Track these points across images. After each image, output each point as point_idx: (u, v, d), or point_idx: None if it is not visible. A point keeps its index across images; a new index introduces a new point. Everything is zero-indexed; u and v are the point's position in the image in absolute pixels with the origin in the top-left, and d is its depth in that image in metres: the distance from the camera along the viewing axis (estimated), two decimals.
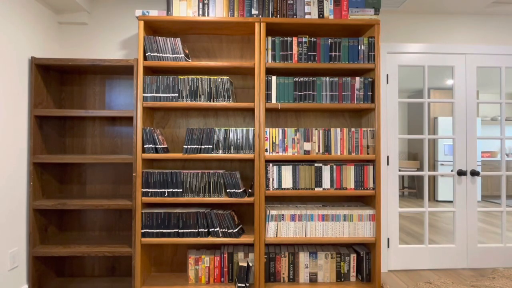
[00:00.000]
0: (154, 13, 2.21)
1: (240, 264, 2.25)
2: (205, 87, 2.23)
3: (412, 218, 4.83)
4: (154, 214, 2.19)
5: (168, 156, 2.18)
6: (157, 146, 2.21)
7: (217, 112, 2.52)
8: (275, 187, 2.22)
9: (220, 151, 2.21)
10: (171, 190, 2.20)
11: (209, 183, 2.21)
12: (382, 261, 2.73)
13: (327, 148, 2.24)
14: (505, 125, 2.91)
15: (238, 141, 2.22)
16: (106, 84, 2.51)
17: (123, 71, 2.40)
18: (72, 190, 2.50)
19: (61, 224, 2.49)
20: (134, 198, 2.17)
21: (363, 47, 2.25)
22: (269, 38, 2.24)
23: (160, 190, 2.20)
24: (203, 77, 2.23)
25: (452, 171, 2.85)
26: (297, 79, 2.25)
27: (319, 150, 2.24)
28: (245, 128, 2.22)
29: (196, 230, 2.20)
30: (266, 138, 2.22)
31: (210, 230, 2.21)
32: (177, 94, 2.22)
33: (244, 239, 2.19)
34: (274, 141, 2.23)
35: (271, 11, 2.26)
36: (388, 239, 2.74)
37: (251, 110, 2.51)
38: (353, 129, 2.25)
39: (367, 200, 2.40)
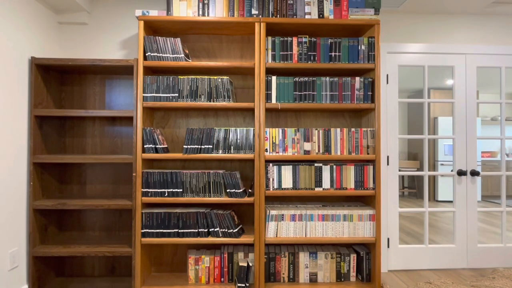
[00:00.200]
0: (154, 13, 2.21)
1: (240, 264, 2.25)
2: (205, 87, 2.23)
3: (412, 218, 4.83)
4: (154, 214, 2.19)
5: (168, 156, 2.18)
6: (157, 146, 2.21)
7: (217, 112, 2.52)
8: (275, 187, 2.22)
9: (220, 151, 2.21)
10: (171, 190, 2.20)
11: (209, 183, 2.21)
12: (382, 261, 2.73)
13: (327, 148, 2.24)
14: (505, 125, 2.91)
15: (238, 141, 2.22)
16: (106, 84, 2.51)
17: (123, 71, 2.40)
18: (72, 190, 2.50)
19: (61, 224, 2.49)
20: (134, 198, 2.17)
21: (363, 47, 2.25)
22: (269, 38, 2.24)
23: (160, 190, 2.20)
24: (203, 77, 2.23)
25: (452, 171, 2.85)
26: (297, 79, 2.25)
27: (319, 150, 2.24)
28: (245, 128, 2.22)
29: (196, 230, 2.20)
30: (266, 138, 2.22)
31: (210, 230, 2.21)
32: (177, 94, 2.22)
33: (244, 239, 2.19)
34: (274, 141, 2.23)
35: (271, 11, 2.26)
36: (388, 239, 2.74)
37: (251, 110, 2.51)
38: (353, 129, 2.25)
39: (367, 200, 2.40)
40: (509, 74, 5.53)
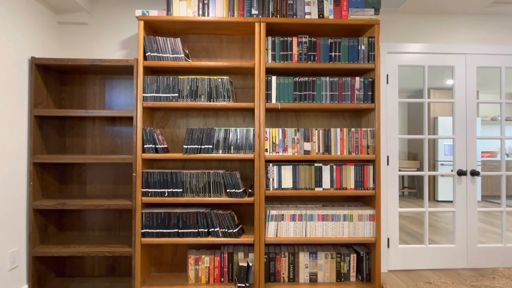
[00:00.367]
0: (154, 13, 2.21)
1: (240, 264, 2.25)
2: (205, 87, 2.23)
3: (412, 218, 4.83)
4: (154, 214, 2.19)
5: (168, 156, 2.18)
6: (157, 146, 2.21)
7: (217, 112, 2.52)
8: (275, 187, 2.22)
9: (220, 151, 2.21)
10: (171, 190, 2.20)
11: (209, 183, 2.21)
12: (382, 261, 2.73)
13: (327, 148, 2.24)
14: (505, 125, 2.91)
15: (238, 141, 2.22)
16: (106, 84, 2.51)
17: (123, 71, 2.40)
18: (72, 190, 2.50)
19: (61, 224, 2.49)
20: (134, 198, 2.17)
21: (363, 47, 2.25)
22: (269, 38, 2.24)
23: (160, 190, 2.20)
24: (203, 77, 2.23)
25: (452, 171, 2.85)
26: (297, 79, 2.25)
27: (319, 150, 2.24)
28: (245, 128, 2.22)
29: (196, 230, 2.20)
30: (266, 138, 2.22)
31: (210, 230, 2.21)
32: (177, 94, 2.22)
33: (244, 239, 2.19)
34: (274, 141, 2.23)
35: (271, 11, 2.26)
36: (388, 239, 2.74)
37: (251, 110, 2.51)
38: (353, 129, 2.25)
39: (367, 200, 2.40)
40: (509, 74, 5.53)
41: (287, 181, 2.23)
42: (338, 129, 2.25)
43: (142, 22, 2.19)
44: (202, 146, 2.20)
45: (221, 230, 2.20)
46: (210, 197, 2.20)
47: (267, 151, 2.22)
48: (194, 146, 2.20)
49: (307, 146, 2.24)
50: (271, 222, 2.22)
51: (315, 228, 2.23)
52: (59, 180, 2.48)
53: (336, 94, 2.25)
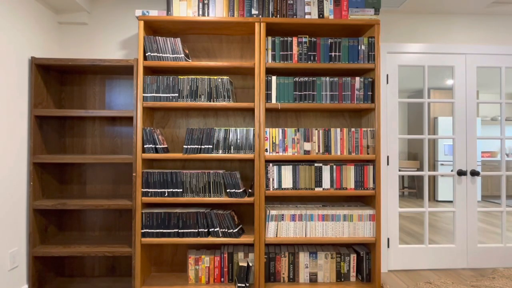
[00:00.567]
0: (154, 13, 2.21)
1: (240, 264, 2.25)
2: (205, 87, 2.23)
3: (412, 218, 4.83)
4: (154, 214, 2.19)
5: (168, 156, 2.18)
6: (157, 146, 2.21)
7: (217, 112, 2.52)
8: (275, 187, 2.22)
9: (220, 151, 2.21)
10: (171, 190, 2.20)
11: (209, 183, 2.21)
12: (382, 261, 2.73)
13: (327, 148, 2.24)
14: (505, 125, 2.91)
15: (238, 141, 2.22)
16: (106, 84, 2.51)
17: (123, 71, 2.40)
18: (72, 190, 2.50)
19: (61, 224, 2.49)
20: (134, 198, 2.17)
21: (363, 47, 2.25)
22: (269, 38, 2.24)
23: (160, 190, 2.20)
24: (203, 77, 2.23)
25: (452, 171, 2.85)
26: (297, 79, 2.25)
27: (319, 150, 2.24)
28: (245, 128, 2.22)
29: (196, 230, 2.20)
30: (266, 138, 2.22)
31: (210, 230, 2.21)
32: (177, 94, 2.22)
33: (244, 239, 2.19)
34: (274, 141, 2.23)
35: (271, 11, 2.26)
36: (388, 239, 2.74)
37: (251, 110, 2.51)
38: (353, 129, 2.25)
39: (367, 200, 2.40)
40: (509, 74, 5.53)
41: (287, 181, 2.23)
42: (338, 129, 2.25)
43: (142, 22, 2.20)
44: (202, 146, 2.20)
45: (221, 230, 2.20)
46: (210, 197, 2.20)
47: (267, 151, 2.22)
48: (194, 146, 2.20)
49: (307, 146, 2.24)
50: (271, 222, 2.22)
51: (315, 228, 2.23)
52: (59, 180, 2.48)
53: (336, 94, 2.25)
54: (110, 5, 2.56)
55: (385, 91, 2.75)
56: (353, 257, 2.32)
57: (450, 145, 6.38)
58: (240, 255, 2.29)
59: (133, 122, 2.51)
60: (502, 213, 2.88)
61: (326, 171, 2.24)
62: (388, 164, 2.75)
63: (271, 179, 2.23)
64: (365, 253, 2.31)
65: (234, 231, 2.19)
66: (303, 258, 2.31)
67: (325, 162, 2.26)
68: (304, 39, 2.25)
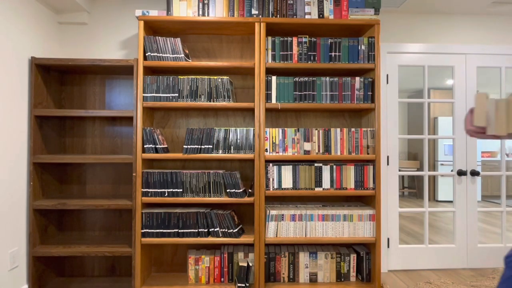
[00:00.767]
0: (154, 13, 2.21)
1: (240, 264, 2.25)
2: (205, 87, 2.23)
3: (412, 218, 4.83)
4: (154, 214, 2.19)
5: (168, 156, 2.18)
6: (157, 146, 2.21)
7: (217, 112, 2.52)
8: (275, 187, 2.22)
9: (220, 151, 2.21)
10: (171, 190, 2.20)
11: (209, 183, 2.21)
12: (382, 261, 2.73)
13: (327, 148, 2.24)
14: None
15: (238, 141, 2.22)
16: (106, 84, 2.51)
17: (123, 71, 2.40)
18: (72, 190, 2.50)
19: (61, 224, 2.49)
20: (134, 198, 2.17)
21: (363, 47, 2.25)
22: (269, 38, 2.24)
23: (160, 190, 2.20)
24: (203, 77, 2.23)
25: (452, 171, 2.85)
26: (297, 79, 2.25)
27: (319, 150, 2.24)
28: (245, 128, 2.22)
29: (196, 230, 2.20)
30: (266, 138, 2.22)
31: (210, 230, 2.21)
32: (177, 94, 2.22)
33: (244, 239, 2.19)
34: (274, 141, 2.23)
35: (271, 11, 2.26)
36: (388, 239, 2.74)
37: (251, 110, 2.51)
38: (353, 129, 2.25)
39: (367, 200, 2.40)
40: (509, 74, 5.53)
41: (287, 181, 2.23)
42: (338, 129, 2.25)
43: (142, 22, 2.19)
44: (202, 146, 2.20)
45: (221, 230, 2.20)
46: (210, 197, 2.20)
47: (267, 151, 2.22)
48: (194, 146, 2.20)
49: (307, 146, 2.24)
50: (271, 222, 2.22)
51: (315, 228, 2.23)
52: (59, 180, 2.48)
53: (336, 94, 2.25)
54: (110, 5, 2.56)
55: (385, 91, 2.75)
56: (353, 257, 2.32)
57: (450, 145, 6.38)
58: (240, 255, 2.29)
59: (133, 122, 2.51)
60: (502, 213, 2.88)
61: (326, 171, 2.24)
62: (388, 164, 2.75)
63: (271, 179, 2.22)
64: (365, 253, 2.31)
65: (234, 231, 2.19)
66: (303, 258, 2.31)
67: (325, 162, 2.26)
68: (304, 39, 2.25)
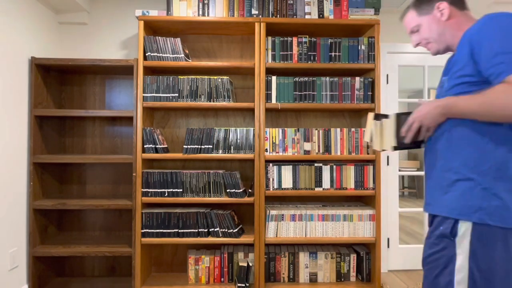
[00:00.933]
0: (154, 13, 2.21)
1: (240, 264, 2.25)
2: (205, 87, 2.23)
3: (412, 218, 4.83)
4: (154, 214, 2.19)
5: (168, 156, 2.18)
6: (157, 146, 2.21)
7: (217, 112, 2.52)
8: (275, 187, 2.22)
9: (220, 151, 2.21)
10: (171, 190, 2.20)
11: (209, 183, 2.21)
12: (382, 261, 2.72)
13: (327, 148, 2.24)
14: None
15: (238, 141, 2.22)
16: (106, 84, 2.51)
17: (123, 71, 2.40)
18: (72, 190, 2.50)
19: (61, 224, 2.49)
20: (134, 198, 2.17)
21: (363, 47, 2.25)
22: (269, 38, 2.24)
23: (160, 190, 2.20)
24: (203, 77, 2.23)
25: None
26: (297, 79, 2.25)
27: (319, 150, 2.24)
28: (245, 128, 2.22)
29: (196, 230, 2.20)
30: (266, 138, 2.22)
31: (210, 230, 2.21)
32: (177, 94, 2.22)
33: (244, 239, 2.19)
34: (274, 141, 2.23)
35: (271, 11, 2.26)
36: (388, 239, 2.74)
37: (251, 110, 2.51)
38: (353, 129, 2.25)
39: (367, 200, 2.40)
40: None
41: (287, 181, 2.23)
42: (338, 129, 2.25)
43: (142, 22, 2.19)
44: (202, 146, 2.20)
45: (221, 230, 2.20)
46: (210, 197, 2.20)
47: (267, 151, 2.22)
48: (194, 146, 2.20)
49: (307, 146, 2.24)
50: (271, 222, 2.22)
51: (315, 228, 2.23)
52: (59, 180, 2.48)
53: (336, 94, 2.25)
54: (110, 5, 2.56)
55: (385, 91, 2.75)
56: (353, 257, 2.32)
57: None
58: (240, 255, 2.29)
59: (133, 122, 2.51)
60: None
61: (326, 171, 2.24)
62: (388, 164, 2.75)
63: (271, 179, 2.22)
64: (365, 253, 2.31)
65: (234, 231, 2.19)
66: (303, 258, 2.30)
67: (325, 162, 2.26)
68: (304, 39, 2.25)
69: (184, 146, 2.20)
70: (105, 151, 2.51)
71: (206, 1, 2.25)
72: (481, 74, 0.95)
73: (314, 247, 2.41)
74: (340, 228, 2.23)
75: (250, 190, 2.30)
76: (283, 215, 2.22)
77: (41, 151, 2.25)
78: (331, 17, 2.27)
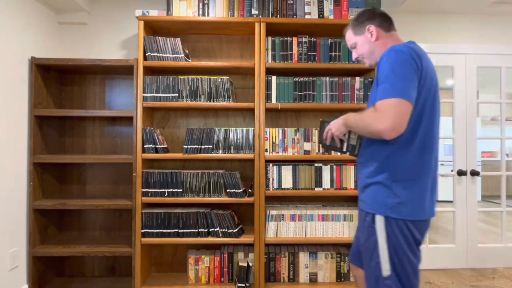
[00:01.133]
0: (154, 13, 2.21)
1: (240, 264, 2.25)
2: (205, 87, 2.23)
3: None
4: (154, 214, 2.19)
5: (168, 156, 2.18)
6: (157, 146, 2.21)
7: (217, 112, 2.52)
8: (275, 187, 2.22)
9: (220, 151, 2.21)
10: (171, 190, 2.20)
11: (209, 183, 2.21)
12: None
13: None
14: (505, 125, 2.91)
15: (238, 141, 2.22)
16: (106, 84, 2.51)
17: (123, 71, 2.40)
18: (72, 190, 2.50)
19: (61, 224, 2.49)
20: (134, 198, 2.17)
21: None
22: (269, 38, 2.24)
23: (160, 190, 2.20)
24: (203, 77, 2.23)
25: (452, 171, 2.85)
26: (297, 79, 2.25)
27: (319, 150, 2.24)
28: (245, 128, 2.22)
29: (196, 230, 2.20)
30: (266, 138, 2.22)
31: (210, 230, 2.21)
32: (177, 94, 2.22)
33: (244, 239, 2.19)
34: (274, 141, 2.23)
35: (271, 11, 2.26)
36: None
37: (251, 110, 2.51)
38: None
39: None
40: (509, 74, 5.53)
41: (287, 181, 2.23)
42: None
43: (142, 22, 2.19)
44: (202, 146, 2.20)
45: (221, 230, 2.20)
46: (210, 197, 2.20)
47: (267, 151, 2.22)
48: (194, 146, 2.20)
49: (307, 146, 2.24)
50: (271, 222, 2.22)
51: (315, 228, 2.23)
52: (59, 180, 2.48)
53: (336, 94, 2.25)
54: (110, 5, 2.56)
55: None
56: None
57: (450, 145, 6.37)
58: (240, 255, 2.29)
59: (133, 122, 2.51)
60: (502, 213, 2.88)
61: (326, 171, 2.23)
62: None
63: (271, 179, 2.22)
64: None
65: (234, 231, 2.19)
66: (303, 258, 2.30)
67: (325, 162, 2.26)
68: (304, 39, 2.25)
69: (184, 146, 2.20)
70: (105, 151, 2.51)
71: (206, 1, 2.25)
72: None
73: (314, 247, 2.41)
74: (340, 228, 2.23)
75: (250, 190, 2.30)
76: (283, 215, 2.22)
77: (41, 151, 2.25)
78: (331, 17, 2.27)
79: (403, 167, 1.20)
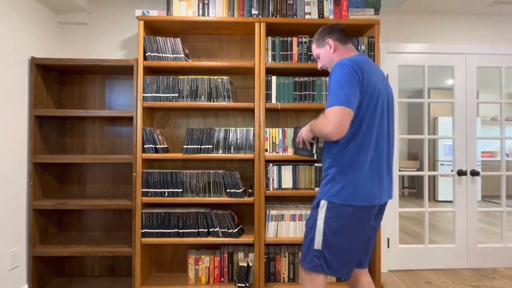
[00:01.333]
0: (154, 13, 2.21)
1: (240, 264, 2.25)
2: (205, 87, 2.23)
3: (412, 218, 4.83)
4: (154, 214, 2.19)
5: (168, 156, 2.18)
6: (157, 146, 2.21)
7: (217, 112, 2.52)
8: (275, 187, 2.22)
9: (220, 151, 2.21)
10: (171, 190, 2.20)
11: (209, 183, 2.21)
12: (382, 261, 2.73)
13: None
14: (505, 125, 2.92)
15: (238, 141, 2.22)
16: (106, 84, 2.51)
17: (123, 71, 2.40)
18: (72, 190, 2.50)
19: (61, 224, 2.49)
20: (134, 198, 2.17)
21: (363, 47, 2.25)
22: (269, 38, 2.24)
23: (160, 190, 2.20)
24: (203, 77, 2.23)
25: (452, 171, 2.85)
26: (297, 79, 2.25)
27: None
28: (245, 128, 2.22)
29: (196, 230, 2.20)
30: (266, 138, 2.22)
31: (210, 230, 2.21)
32: (177, 94, 2.22)
33: (244, 239, 2.19)
34: (274, 141, 2.23)
35: (271, 11, 2.26)
36: (388, 239, 2.74)
37: (251, 110, 2.51)
38: None
39: None
40: (509, 74, 5.53)
41: (287, 181, 2.23)
42: None
43: (142, 22, 2.19)
44: (202, 146, 2.20)
45: (221, 230, 2.20)
46: (210, 197, 2.20)
47: (267, 151, 2.22)
48: (194, 146, 2.20)
49: None
50: (271, 222, 2.22)
51: None
52: (59, 180, 2.48)
53: None
54: (110, 5, 2.56)
55: None
56: None
57: (450, 145, 6.38)
58: (240, 255, 2.29)
59: (133, 122, 2.51)
60: (502, 213, 2.88)
61: None
62: None
63: (271, 179, 2.22)
64: None
65: (234, 231, 2.19)
66: None
67: None
68: (304, 39, 2.25)
69: (184, 146, 2.20)
70: (105, 151, 2.51)
71: (206, 1, 2.25)
72: None
73: None
74: None
75: (250, 190, 2.30)
76: (283, 215, 2.22)
77: (41, 151, 2.25)
78: (331, 17, 2.27)
79: (345, 161, 1.41)
